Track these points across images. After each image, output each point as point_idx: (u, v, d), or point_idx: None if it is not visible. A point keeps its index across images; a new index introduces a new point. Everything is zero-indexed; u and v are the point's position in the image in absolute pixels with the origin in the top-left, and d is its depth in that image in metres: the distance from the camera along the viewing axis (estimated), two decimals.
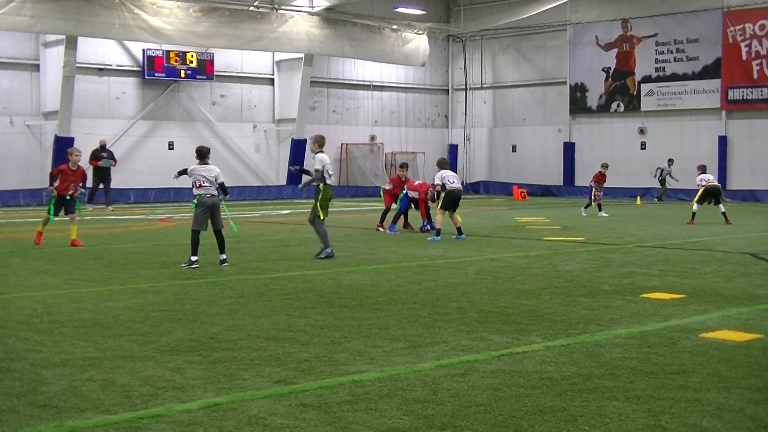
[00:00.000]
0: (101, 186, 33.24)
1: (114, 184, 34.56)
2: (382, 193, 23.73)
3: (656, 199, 39.92)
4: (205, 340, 8.92)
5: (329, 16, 41.59)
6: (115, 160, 33.91)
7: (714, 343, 8.72)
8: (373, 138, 46.85)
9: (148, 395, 6.87)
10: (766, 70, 39.26)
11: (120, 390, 7.02)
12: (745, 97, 39.93)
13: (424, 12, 46.77)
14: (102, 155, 33.45)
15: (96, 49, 37.41)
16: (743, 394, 6.84)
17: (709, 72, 40.95)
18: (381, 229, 22.52)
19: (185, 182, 39.37)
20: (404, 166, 24.13)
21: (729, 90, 40.25)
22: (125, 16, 34.93)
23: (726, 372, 7.54)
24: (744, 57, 39.85)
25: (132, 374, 7.52)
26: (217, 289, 12.43)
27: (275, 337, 9.11)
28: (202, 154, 15.57)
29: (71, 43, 34.71)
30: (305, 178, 18.31)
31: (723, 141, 40.35)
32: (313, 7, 41.31)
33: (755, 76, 39.48)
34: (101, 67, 37.94)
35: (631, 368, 7.66)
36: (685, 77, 41.82)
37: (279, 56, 43.04)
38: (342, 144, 45.46)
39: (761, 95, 39.39)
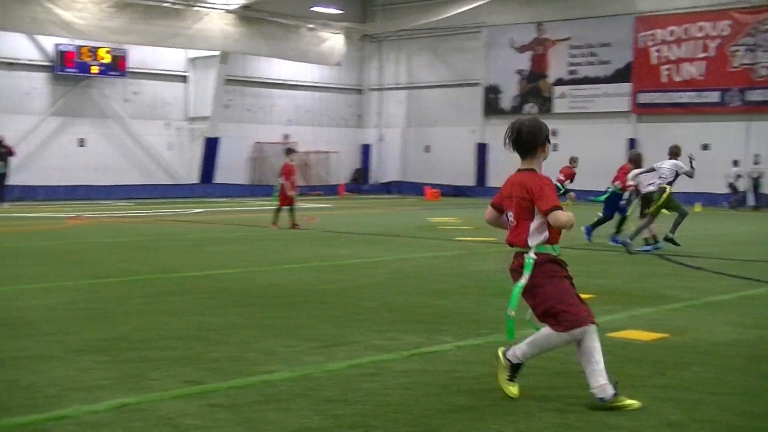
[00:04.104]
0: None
1: (22, 181, 33.85)
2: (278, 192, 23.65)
3: None
4: (114, 340, 8.78)
5: (245, 14, 41.38)
6: (11, 154, 33.20)
7: (621, 343, 8.86)
8: (286, 137, 46.63)
9: (54, 396, 6.73)
10: (675, 75, 40.14)
11: (24, 391, 6.86)
12: (654, 101, 40.73)
13: (341, 11, 46.79)
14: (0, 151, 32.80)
15: (6, 43, 36.69)
16: (648, 392, 6.96)
17: (620, 76, 41.73)
18: (273, 227, 22.92)
19: (98, 179, 39.27)
20: (291, 151, 24.58)
21: (639, 94, 41.03)
22: (37, 10, 34.32)
23: (632, 371, 7.67)
24: (654, 62, 40.65)
25: (37, 375, 7.35)
26: (127, 288, 12.26)
27: (186, 336, 9.00)
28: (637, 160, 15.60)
29: None
30: None
31: (632, 144, 41.04)
32: (229, 4, 41.06)
33: (664, 80, 40.31)
34: (11, 61, 37.20)
35: (541, 368, 7.75)
36: (597, 80, 42.53)
37: (193, 53, 42.68)
38: (255, 143, 45.18)
39: (670, 99, 40.23)
